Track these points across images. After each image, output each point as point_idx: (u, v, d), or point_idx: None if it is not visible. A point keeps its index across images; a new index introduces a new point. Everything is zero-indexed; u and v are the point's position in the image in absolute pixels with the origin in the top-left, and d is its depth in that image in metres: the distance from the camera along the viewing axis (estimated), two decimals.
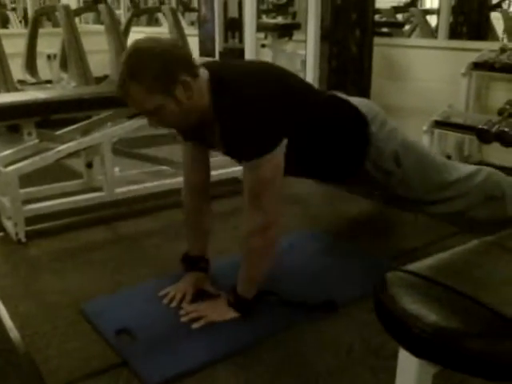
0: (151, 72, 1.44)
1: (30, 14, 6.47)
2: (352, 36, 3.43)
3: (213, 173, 1.87)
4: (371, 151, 1.83)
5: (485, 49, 3.17)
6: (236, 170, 2.58)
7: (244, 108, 1.48)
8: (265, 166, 1.50)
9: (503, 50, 3.06)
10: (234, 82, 1.54)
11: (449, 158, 3.26)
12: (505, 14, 5.23)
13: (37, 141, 2.50)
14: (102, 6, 4.71)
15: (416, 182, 1.91)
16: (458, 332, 0.85)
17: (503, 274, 1.01)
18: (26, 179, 2.34)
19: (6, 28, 7.33)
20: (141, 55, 1.46)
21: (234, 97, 1.50)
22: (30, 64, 5.06)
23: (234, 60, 1.64)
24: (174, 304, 1.71)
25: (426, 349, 0.87)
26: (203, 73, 1.55)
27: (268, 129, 1.51)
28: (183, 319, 1.63)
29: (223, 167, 2.57)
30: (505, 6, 5.46)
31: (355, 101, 1.89)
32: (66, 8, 4.45)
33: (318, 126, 1.73)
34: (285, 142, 1.53)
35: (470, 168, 2.02)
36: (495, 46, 3.19)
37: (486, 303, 0.88)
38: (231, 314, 1.62)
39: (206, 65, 1.61)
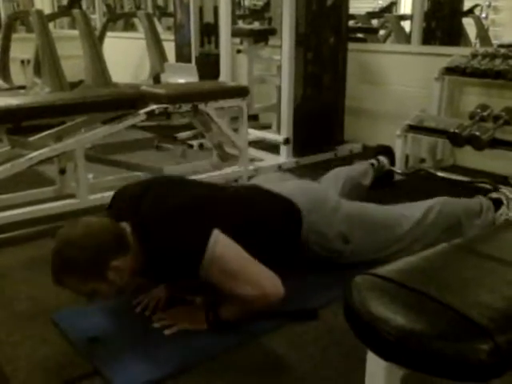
0: (82, 264, 1.45)
1: (3, 18, 6.39)
2: (327, 41, 3.46)
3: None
4: (313, 238, 1.82)
5: (456, 54, 3.23)
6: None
7: (163, 235, 1.52)
8: (216, 258, 1.49)
9: (474, 55, 3.12)
10: (154, 228, 1.56)
11: (422, 161, 3.31)
12: (477, 19, 5.34)
13: (8, 147, 2.46)
14: (76, 12, 4.67)
15: (368, 249, 1.90)
16: (423, 334, 0.86)
17: (470, 276, 1.02)
18: None
19: None
20: (70, 249, 1.46)
21: (156, 239, 1.53)
22: (3, 69, 5.00)
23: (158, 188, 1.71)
24: (147, 312, 1.70)
25: (392, 352, 0.88)
26: (132, 241, 1.55)
27: (191, 232, 1.53)
28: (156, 325, 1.63)
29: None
30: (477, 12, 5.58)
31: (290, 187, 1.91)
32: (40, 13, 4.40)
33: (248, 226, 1.70)
34: (216, 231, 1.52)
35: (422, 209, 2.00)
36: (467, 51, 3.24)
37: (452, 305, 0.89)
38: (204, 325, 1.60)
39: (135, 213, 1.60)
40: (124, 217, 1.60)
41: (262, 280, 1.53)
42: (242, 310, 1.59)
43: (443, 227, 1.98)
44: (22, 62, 5.42)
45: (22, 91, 4.68)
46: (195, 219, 1.58)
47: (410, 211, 2.01)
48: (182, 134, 3.98)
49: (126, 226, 1.57)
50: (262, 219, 1.76)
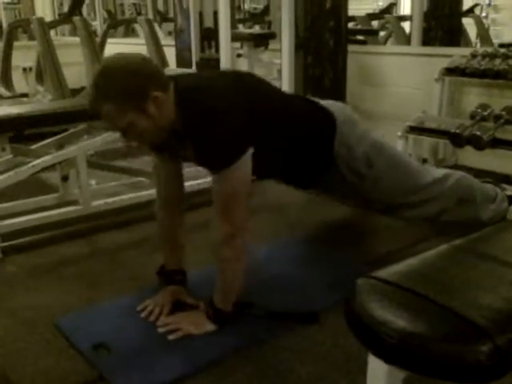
0: (121, 90, 1.45)
1: (5, 26, 6.42)
2: (326, 44, 3.47)
3: (186, 184, 1.88)
4: (342, 151, 1.84)
5: (456, 54, 3.23)
6: (209, 180, 2.58)
7: (209, 119, 1.49)
8: (231, 177, 1.51)
9: (474, 55, 3.12)
10: (198, 93, 1.55)
11: (424, 161, 3.31)
12: (477, 19, 5.33)
13: (11, 156, 2.48)
14: (76, 19, 4.69)
15: (388, 185, 1.92)
16: (424, 337, 0.86)
17: (469, 277, 1.03)
18: (1, 194, 2.32)
19: None
20: (110, 74, 1.47)
21: (200, 109, 1.51)
22: (6, 78, 5.02)
23: (202, 71, 1.69)
24: (152, 318, 1.70)
25: (393, 354, 0.88)
26: (171, 85, 1.55)
27: (233, 139, 1.52)
28: (160, 330, 1.63)
29: (197, 178, 2.57)
30: (477, 11, 5.57)
31: (326, 102, 1.92)
32: (41, 21, 4.43)
33: (285, 128, 1.74)
34: (250, 151, 1.53)
35: (443, 171, 2.04)
36: (467, 51, 3.24)
37: (452, 307, 0.90)
38: (208, 327, 1.62)
39: (173, 77, 1.61)
40: (174, 79, 1.59)
41: (240, 219, 1.56)
42: (223, 275, 1.62)
43: (459, 196, 1.98)
44: (24, 69, 5.44)
45: (25, 99, 4.71)
46: (242, 118, 1.54)
47: (432, 169, 2.07)
48: None
49: (171, 81, 1.55)
50: (303, 119, 1.81)
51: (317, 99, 1.96)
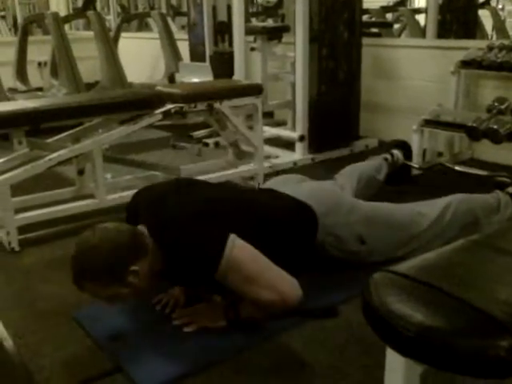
0: (101, 271, 1.46)
1: (20, 21, 6.48)
2: (340, 37, 3.45)
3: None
4: (329, 239, 1.82)
5: (472, 47, 3.19)
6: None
7: (178, 247, 1.52)
8: (232, 264, 1.48)
9: (490, 47, 3.08)
10: (171, 236, 1.55)
11: (440, 155, 3.28)
12: (493, 10, 5.27)
13: (27, 149, 2.50)
14: (90, 13, 4.72)
15: (385, 248, 1.88)
16: (442, 331, 0.86)
17: (488, 272, 1.02)
18: (18, 188, 2.34)
19: None
20: (88, 257, 1.48)
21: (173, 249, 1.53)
22: (21, 72, 5.07)
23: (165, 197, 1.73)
24: (167, 310, 1.72)
25: (411, 348, 0.88)
26: (150, 245, 1.55)
27: (209, 238, 1.52)
28: (175, 323, 1.65)
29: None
30: (493, 3, 5.50)
31: (305, 193, 1.88)
32: (55, 15, 4.46)
33: (264, 230, 1.70)
34: (232, 236, 1.51)
35: (439, 206, 1.98)
36: (483, 44, 3.20)
37: (470, 301, 0.89)
38: (223, 322, 1.62)
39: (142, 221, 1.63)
40: (142, 220, 1.63)
41: (280, 284, 1.52)
42: (261, 310, 1.59)
43: (461, 225, 1.96)
44: (39, 64, 5.47)
45: (40, 93, 4.74)
46: (212, 224, 1.57)
47: (427, 209, 1.99)
48: (198, 133, 4.00)
49: (143, 228, 1.58)
50: (278, 223, 1.76)
51: (295, 190, 1.92)
